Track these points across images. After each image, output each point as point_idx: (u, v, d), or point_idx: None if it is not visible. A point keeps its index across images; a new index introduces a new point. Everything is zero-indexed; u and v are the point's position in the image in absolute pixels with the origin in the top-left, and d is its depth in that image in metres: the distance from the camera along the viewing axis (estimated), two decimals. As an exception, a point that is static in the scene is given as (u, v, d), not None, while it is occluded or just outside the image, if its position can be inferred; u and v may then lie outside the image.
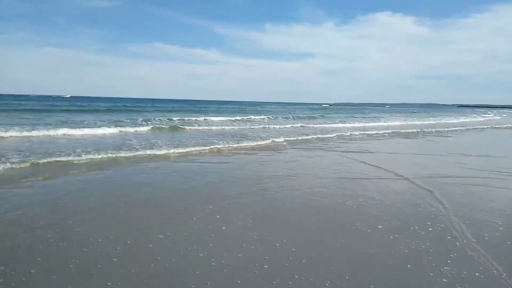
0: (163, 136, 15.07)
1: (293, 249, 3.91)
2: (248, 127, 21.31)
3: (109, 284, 3.14)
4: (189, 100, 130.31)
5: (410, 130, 22.04)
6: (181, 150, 10.62)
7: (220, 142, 12.89)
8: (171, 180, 7.13)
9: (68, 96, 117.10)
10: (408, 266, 3.61)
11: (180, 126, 19.31)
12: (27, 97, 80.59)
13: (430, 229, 4.60)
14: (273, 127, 21.47)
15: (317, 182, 7.14)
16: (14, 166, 7.43)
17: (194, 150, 10.82)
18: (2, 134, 12.35)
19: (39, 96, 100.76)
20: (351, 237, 4.31)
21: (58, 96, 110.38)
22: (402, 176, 7.85)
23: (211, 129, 19.27)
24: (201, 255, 3.73)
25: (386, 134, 19.19)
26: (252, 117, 31.90)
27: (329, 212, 5.30)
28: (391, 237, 4.33)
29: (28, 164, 7.68)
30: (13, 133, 12.75)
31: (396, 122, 31.82)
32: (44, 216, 4.76)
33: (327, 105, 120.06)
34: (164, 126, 18.92)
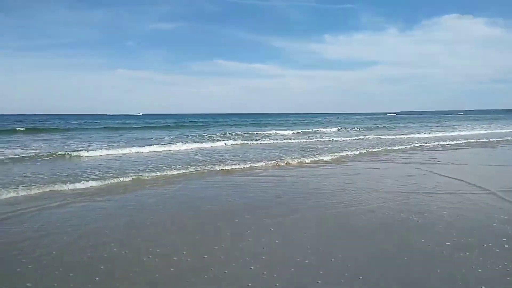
0: (231, 150, 15.43)
1: (348, 265, 3.72)
2: (313, 139, 20.96)
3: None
4: (250, 114, 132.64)
5: (491, 139, 19.96)
6: (247, 165, 10.69)
7: (285, 155, 12.90)
8: (233, 193, 7.24)
9: (141, 113, 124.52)
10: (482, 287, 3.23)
11: (246, 141, 19.46)
12: (104, 116, 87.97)
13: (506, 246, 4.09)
14: (339, 140, 20.87)
15: (382, 196, 6.76)
16: (93, 184, 8.01)
17: (259, 164, 10.86)
18: (85, 153, 13.62)
19: (115, 115, 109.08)
20: (415, 255, 3.98)
21: (132, 114, 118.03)
22: (487, 189, 7.10)
23: (276, 142, 19.28)
24: (252, 267, 3.71)
25: (464, 144, 17.60)
26: (319, 129, 31.52)
27: (392, 228, 4.97)
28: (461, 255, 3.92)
29: (105, 182, 8.30)
30: (93, 153, 13.79)
31: (476, 131, 28.99)
32: (116, 227, 5.12)
33: (394, 114, 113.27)
34: (232, 141, 19.21)
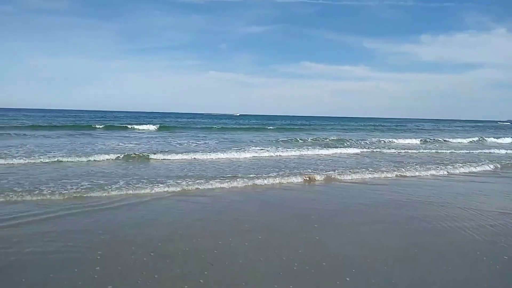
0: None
1: None
2: (427, 150, 18.07)
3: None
4: (337, 117, 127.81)
5: None
6: (360, 175, 9.65)
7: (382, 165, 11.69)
8: (325, 201, 7.03)
9: (238, 114, 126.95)
10: None
11: (378, 149, 17.22)
12: (205, 116, 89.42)
13: None
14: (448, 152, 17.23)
15: (484, 214, 5.90)
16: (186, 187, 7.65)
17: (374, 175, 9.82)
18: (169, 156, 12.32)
19: (212, 115, 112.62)
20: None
21: (229, 115, 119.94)
22: None
23: (410, 152, 16.62)
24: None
25: None
26: (445, 139, 26.32)
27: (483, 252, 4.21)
28: None
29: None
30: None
31: None
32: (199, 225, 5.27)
33: (507, 123, 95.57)
34: (360, 149, 16.94)
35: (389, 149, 17.49)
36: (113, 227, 5.00)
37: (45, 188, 6.89)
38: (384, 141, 22.53)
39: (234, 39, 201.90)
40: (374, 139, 23.33)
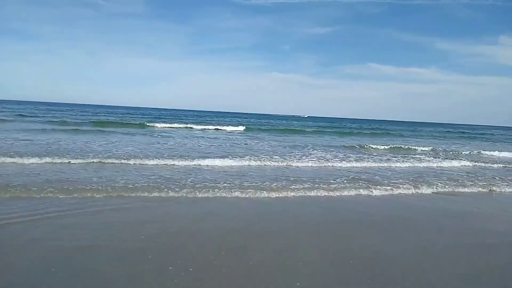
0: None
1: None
2: None
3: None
4: (405, 121, 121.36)
5: None
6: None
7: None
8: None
9: (306, 116, 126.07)
10: None
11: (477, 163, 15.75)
12: (269, 116, 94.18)
13: None
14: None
15: None
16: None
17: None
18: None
19: (284, 116, 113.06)
20: None
21: (297, 116, 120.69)
22: None
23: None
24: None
25: None
26: None
27: None
28: None
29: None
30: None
31: None
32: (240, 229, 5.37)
33: None
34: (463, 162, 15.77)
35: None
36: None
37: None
38: (487, 154, 20.33)
39: (296, 40, 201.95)
40: (472, 151, 21.00)
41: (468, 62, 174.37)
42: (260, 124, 44.45)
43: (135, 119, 37.66)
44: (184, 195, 7.00)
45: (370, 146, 19.79)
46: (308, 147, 17.71)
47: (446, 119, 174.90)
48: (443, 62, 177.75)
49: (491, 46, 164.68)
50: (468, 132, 50.91)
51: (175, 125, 30.88)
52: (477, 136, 43.81)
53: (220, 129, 30.69)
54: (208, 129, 30.58)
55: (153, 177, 8.36)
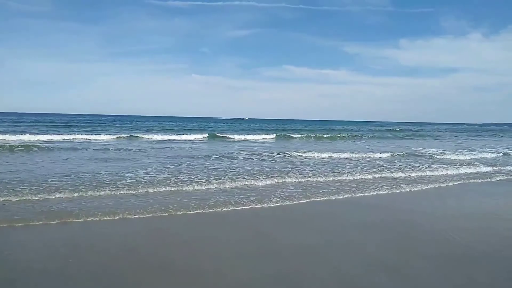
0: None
1: None
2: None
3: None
4: (323, 120, 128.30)
5: None
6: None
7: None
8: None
9: (247, 118, 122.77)
10: None
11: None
12: (201, 119, 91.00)
13: None
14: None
15: None
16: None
17: None
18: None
19: (223, 119, 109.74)
20: None
21: (239, 118, 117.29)
22: None
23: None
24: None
25: None
26: None
27: None
28: None
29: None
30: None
31: None
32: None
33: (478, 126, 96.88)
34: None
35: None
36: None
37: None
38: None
39: (216, 43, 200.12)
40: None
41: (374, 64, 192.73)
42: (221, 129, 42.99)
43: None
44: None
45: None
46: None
47: (360, 117, 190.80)
48: (352, 64, 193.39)
49: (393, 50, 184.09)
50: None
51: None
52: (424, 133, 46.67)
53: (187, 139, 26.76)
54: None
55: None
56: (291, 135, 33.68)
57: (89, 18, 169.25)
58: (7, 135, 21.88)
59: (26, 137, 21.83)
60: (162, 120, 73.97)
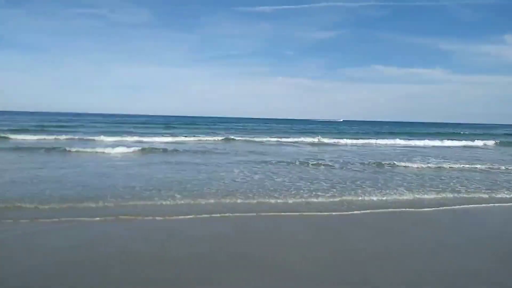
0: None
1: None
2: None
3: None
4: (411, 122, 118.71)
5: None
6: None
7: None
8: None
9: (341, 120, 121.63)
10: None
11: None
12: (293, 121, 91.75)
13: None
14: None
15: None
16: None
17: None
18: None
19: (316, 121, 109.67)
20: None
21: (334, 121, 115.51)
22: None
23: None
24: None
25: None
26: None
27: None
28: None
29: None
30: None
31: None
32: None
33: None
34: None
35: None
36: None
37: None
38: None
39: (301, 45, 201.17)
40: None
41: (473, 62, 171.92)
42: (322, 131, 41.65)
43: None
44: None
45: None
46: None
47: (456, 119, 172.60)
48: (448, 62, 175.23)
49: (496, 46, 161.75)
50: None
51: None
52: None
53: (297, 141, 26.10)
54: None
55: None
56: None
57: (182, 27, 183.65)
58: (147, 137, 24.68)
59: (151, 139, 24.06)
60: (255, 122, 75.93)
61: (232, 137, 26.63)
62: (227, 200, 7.55)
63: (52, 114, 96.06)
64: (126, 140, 22.60)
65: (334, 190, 8.83)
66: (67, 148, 16.28)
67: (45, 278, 3.90)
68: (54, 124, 41.12)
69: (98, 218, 6.04)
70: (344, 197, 8.12)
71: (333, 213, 6.95)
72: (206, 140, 25.36)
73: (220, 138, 26.17)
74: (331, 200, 7.94)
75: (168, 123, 52.16)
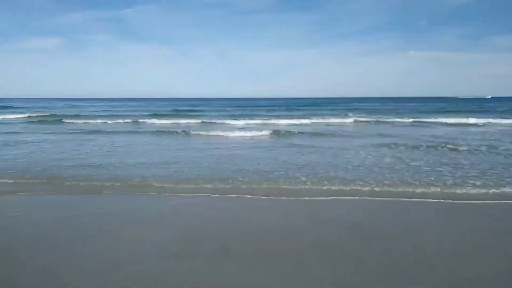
0: None
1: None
2: None
3: None
4: None
5: None
6: None
7: None
8: None
9: (489, 96, 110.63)
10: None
11: None
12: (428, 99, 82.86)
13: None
14: None
15: None
16: None
17: None
18: None
19: (458, 98, 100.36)
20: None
21: (479, 98, 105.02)
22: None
23: None
24: None
25: None
26: None
27: None
28: None
29: None
30: None
31: None
32: None
33: None
34: None
35: None
36: None
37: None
38: None
39: (434, 14, 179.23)
40: None
41: None
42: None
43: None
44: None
45: None
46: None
47: None
48: None
49: None
50: None
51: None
52: None
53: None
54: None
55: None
56: None
57: (303, 8, 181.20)
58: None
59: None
60: (382, 101, 71.46)
61: (359, 119, 25.83)
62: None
63: (183, 100, 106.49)
64: (253, 123, 24.13)
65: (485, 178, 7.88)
66: (199, 132, 18.14)
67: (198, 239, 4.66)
68: (186, 109, 46.30)
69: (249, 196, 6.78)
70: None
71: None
72: (333, 122, 25.17)
73: (348, 120, 25.64)
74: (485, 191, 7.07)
75: (289, 106, 53.51)
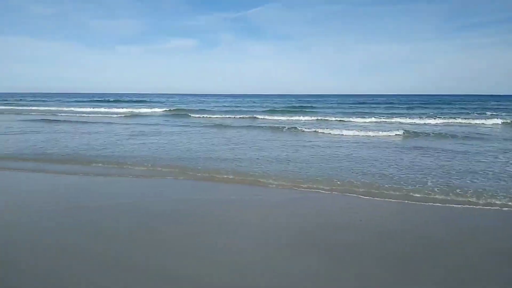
0: None
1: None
2: None
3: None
4: None
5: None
6: None
7: None
8: None
9: None
10: None
11: None
12: None
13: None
14: None
15: None
16: None
17: None
18: None
19: None
20: None
21: None
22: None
23: None
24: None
25: None
26: None
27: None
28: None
29: None
30: None
31: None
32: None
33: None
34: None
35: None
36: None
37: None
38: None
39: None
40: None
41: None
42: None
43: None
44: None
45: None
46: None
47: None
48: None
49: None
50: None
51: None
52: None
53: None
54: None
55: None
56: None
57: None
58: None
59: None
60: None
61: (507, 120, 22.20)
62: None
63: (298, 96, 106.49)
64: (374, 122, 22.81)
65: None
66: (318, 130, 17.58)
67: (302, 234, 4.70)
68: (297, 105, 46.17)
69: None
70: None
71: None
72: (475, 123, 22.08)
73: (492, 121, 22.25)
74: None
75: (409, 103, 49.30)
